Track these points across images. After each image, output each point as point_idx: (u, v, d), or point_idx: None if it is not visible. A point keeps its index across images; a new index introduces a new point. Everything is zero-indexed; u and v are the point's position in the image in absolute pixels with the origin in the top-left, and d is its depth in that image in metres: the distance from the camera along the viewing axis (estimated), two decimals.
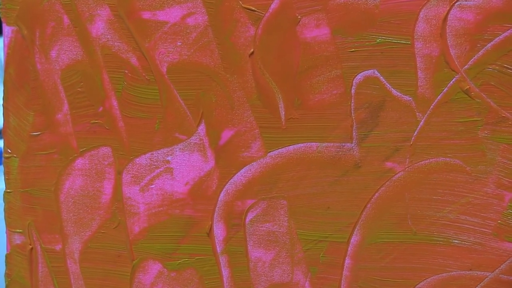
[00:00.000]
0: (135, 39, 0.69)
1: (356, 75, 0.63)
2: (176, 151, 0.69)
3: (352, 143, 0.64)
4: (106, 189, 0.71)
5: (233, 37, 0.66)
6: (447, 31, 0.61)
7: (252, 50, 0.66)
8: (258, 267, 0.67)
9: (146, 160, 0.70)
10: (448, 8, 0.61)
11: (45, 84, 0.73)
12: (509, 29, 0.60)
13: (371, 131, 0.63)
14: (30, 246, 0.75)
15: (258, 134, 0.66)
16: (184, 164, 0.69)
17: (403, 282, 0.64)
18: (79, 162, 0.72)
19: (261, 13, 0.65)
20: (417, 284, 0.63)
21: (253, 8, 0.65)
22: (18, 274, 0.76)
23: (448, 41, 0.61)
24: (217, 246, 0.68)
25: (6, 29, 0.74)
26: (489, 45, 0.60)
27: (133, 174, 0.70)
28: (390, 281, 0.64)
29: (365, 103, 0.63)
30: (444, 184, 0.62)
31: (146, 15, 0.68)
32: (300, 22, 0.64)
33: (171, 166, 0.69)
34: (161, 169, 0.69)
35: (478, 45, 0.60)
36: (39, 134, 0.73)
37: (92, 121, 0.71)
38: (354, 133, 0.64)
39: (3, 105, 0.75)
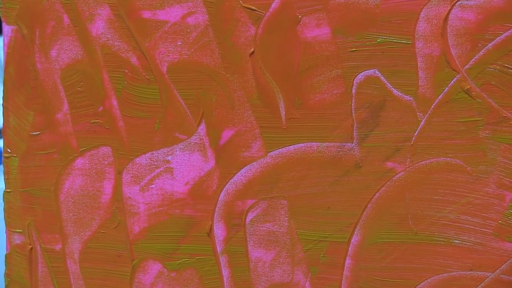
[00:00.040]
0: (135, 39, 0.69)
1: (357, 74, 0.63)
2: (176, 151, 0.69)
3: (352, 143, 0.64)
4: (106, 189, 0.71)
5: (234, 36, 0.66)
6: (448, 30, 0.61)
7: (252, 49, 0.66)
8: (258, 267, 0.67)
9: (146, 160, 0.70)
10: (449, 8, 0.61)
11: (45, 84, 0.73)
12: (510, 28, 0.59)
13: (371, 131, 0.63)
14: (30, 246, 0.75)
15: (259, 134, 0.66)
16: (184, 164, 0.68)
17: (403, 282, 0.64)
18: (79, 161, 0.72)
19: (262, 12, 0.65)
20: (418, 284, 0.63)
21: (253, 8, 0.65)
22: (17, 274, 0.76)
23: (449, 41, 0.61)
24: (217, 246, 0.68)
25: (6, 28, 0.74)
26: (490, 44, 0.60)
27: (133, 174, 0.70)
28: (390, 281, 0.64)
29: (365, 103, 0.63)
30: (445, 184, 0.62)
31: (146, 14, 0.68)
32: (301, 21, 0.64)
33: (171, 166, 0.69)
34: (161, 169, 0.69)
35: (479, 45, 0.60)
36: (39, 134, 0.73)
37: (92, 121, 0.71)
38: (354, 133, 0.64)
39: (3, 104, 0.75)
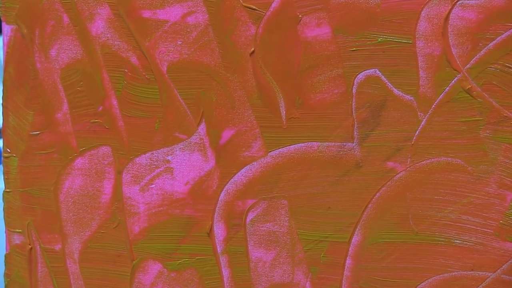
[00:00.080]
0: (135, 38, 0.69)
1: (358, 74, 0.63)
2: (176, 150, 0.69)
3: (353, 142, 0.64)
4: (106, 188, 0.71)
5: (234, 36, 0.66)
6: (449, 30, 0.61)
7: (252, 49, 0.65)
8: (258, 267, 0.67)
9: (146, 160, 0.69)
10: (450, 7, 0.61)
11: (45, 83, 0.72)
12: (511, 28, 0.59)
13: (372, 131, 0.63)
14: (30, 246, 0.74)
15: (259, 134, 0.66)
16: (184, 164, 0.68)
17: (404, 283, 0.63)
18: (79, 161, 0.72)
19: (262, 12, 0.65)
20: (419, 284, 0.63)
21: (253, 7, 0.65)
22: (17, 274, 0.76)
23: (450, 40, 0.61)
24: (218, 246, 0.68)
25: (5, 28, 0.74)
26: (491, 44, 0.60)
27: (133, 173, 0.70)
28: (391, 281, 0.64)
29: (366, 102, 0.63)
30: (445, 184, 0.62)
31: (146, 14, 0.68)
32: (301, 21, 0.64)
33: (171, 166, 0.69)
34: (161, 169, 0.69)
35: (480, 44, 0.60)
36: (38, 134, 0.73)
37: (92, 121, 0.71)
38: (355, 133, 0.64)
39: (2, 104, 0.75)
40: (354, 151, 0.64)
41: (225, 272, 0.68)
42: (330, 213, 0.65)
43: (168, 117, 0.68)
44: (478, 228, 0.62)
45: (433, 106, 0.62)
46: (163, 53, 0.68)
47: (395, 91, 0.62)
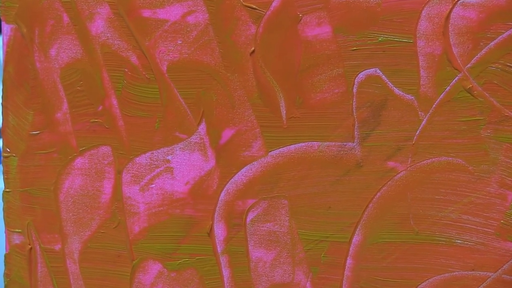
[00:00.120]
0: (135, 38, 0.69)
1: (358, 74, 0.63)
2: (177, 150, 0.68)
3: (354, 142, 0.64)
4: (105, 188, 0.71)
5: (234, 35, 0.66)
6: (450, 29, 0.61)
7: (253, 48, 0.65)
8: (259, 267, 0.67)
9: (146, 160, 0.69)
10: (450, 6, 0.61)
11: (45, 83, 0.72)
12: None
13: (373, 130, 0.63)
14: (29, 246, 0.74)
15: (259, 133, 0.66)
16: (184, 164, 0.68)
17: (405, 283, 0.63)
18: (79, 161, 0.72)
19: (262, 11, 0.65)
20: (419, 284, 0.63)
21: (254, 6, 0.65)
22: (17, 274, 0.76)
23: (451, 40, 0.61)
24: (218, 246, 0.68)
25: (5, 27, 0.73)
26: (492, 43, 0.60)
27: (133, 173, 0.70)
28: (391, 281, 0.64)
29: (367, 102, 0.63)
30: (446, 183, 0.62)
31: (146, 13, 0.68)
32: (302, 20, 0.64)
33: (171, 166, 0.69)
34: (161, 169, 0.69)
35: (481, 44, 0.60)
36: (38, 133, 0.73)
37: (91, 120, 0.71)
38: (355, 132, 0.63)
39: (2, 104, 0.75)
40: (355, 151, 0.64)
41: (225, 272, 0.68)
42: (331, 213, 0.65)
43: (168, 116, 0.68)
44: (479, 228, 0.61)
45: (434, 105, 0.62)
46: (163, 53, 0.68)
47: (396, 90, 0.62)
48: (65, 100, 0.72)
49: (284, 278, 0.67)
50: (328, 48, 0.64)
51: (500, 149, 0.60)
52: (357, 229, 0.64)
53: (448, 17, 0.61)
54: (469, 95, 0.61)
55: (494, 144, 0.61)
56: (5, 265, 0.76)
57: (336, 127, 0.64)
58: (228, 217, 0.67)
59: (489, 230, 0.61)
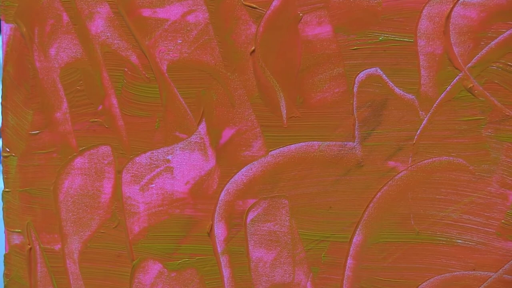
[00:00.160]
0: (135, 37, 0.69)
1: (359, 73, 0.63)
2: (177, 150, 0.68)
3: (354, 142, 0.64)
4: (105, 188, 0.71)
5: (234, 34, 0.66)
6: (451, 28, 0.61)
7: (253, 48, 0.65)
8: (259, 267, 0.67)
9: (146, 159, 0.69)
10: (451, 6, 0.60)
11: (44, 83, 0.72)
12: None
13: (373, 130, 0.63)
14: (29, 246, 0.74)
15: (259, 133, 0.66)
16: (184, 163, 0.68)
17: (405, 283, 0.63)
18: (79, 161, 0.72)
19: (263, 10, 0.65)
20: (420, 284, 0.63)
21: (254, 6, 0.65)
22: (16, 274, 0.75)
23: (452, 39, 0.61)
24: (218, 246, 0.68)
25: (4, 26, 0.73)
26: (493, 43, 0.60)
27: (133, 173, 0.70)
28: (392, 281, 0.64)
29: (367, 101, 0.63)
30: (447, 183, 0.62)
31: (146, 12, 0.68)
32: (302, 19, 0.64)
33: (171, 165, 0.69)
34: (161, 168, 0.69)
35: (482, 43, 0.60)
36: (38, 133, 0.73)
37: (91, 120, 0.71)
38: (356, 132, 0.63)
39: (1, 103, 0.75)
40: (355, 151, 0.64)
41: (226, 272, 0.68)
42: (331, 212, 0.65)
43: (168, 116, 0.68)
44: (479, 227, 0.61)
45: (435, 105, 0.62)
46: (163, 52, 0.68)
47: (396, 90, 0.62)
48: (64, 100, 0.72)
49: (285, 278, 0.66)
50: (328, 47, 0.63)
51: (501, 148, 0.60)
52: (358, 229, 0.64)
53: (448, 16, 0.61)
54: (470, 94, 0.61)
55: (495, 143, 0.60)
56: (4, 265, 0.76)
57: (336, 127, 0.64)
58: (228, 217, 0.67)
59: (490, 230, 0.61)
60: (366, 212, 0.64)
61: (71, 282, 0.73)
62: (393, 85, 0.62)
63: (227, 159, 0.67)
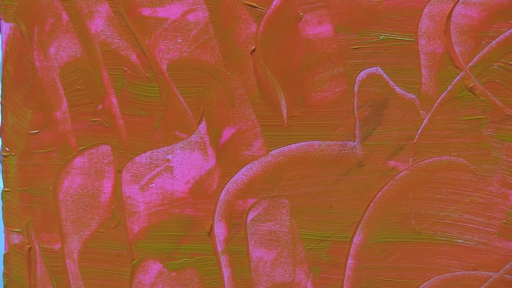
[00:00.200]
0: (135, 36, 0.68)
1: (359, 72, 0.63)
2: (177, 149, 0.68)
3: (355, 141, 0.63)
4: (105, 188, 0.71)
5: (234, 34, 0.66)
6: (452, 28, 0.61)
7: (253, 47, 0.65)
8: (259, 267, 0.67)
9: (146, 159, 0.69)
10: (452, 5, 0.60)
11: (44, 82, 0.72)
12: None
13: (374, 129, 0.63)
14: (29, 246, 0.74)
15: (260, 132, 0.66)
16: (184, 163, 0.68)
17: (406, 282, 0.63)
18: (78, 160, 0.72)
19: (263, 9, 0.65)
20: (421, 284, 0.63)
21: (254, 5, 0.65)
22: (16, 274, 0.75)
23: (453, 38, 0.61)
24: (218, 246, 0.68)
25: (4, 25, 0.73)
26: (494, 42, 0.60)
27: (132, 172, 0.70)
28: (393, 281, 0.64)
29: (368, 101, 0.63)
30: (448, 183, 0.62)
31: (146, 11, 0.68)
32: (303, 18, 0.64)
33: (172, 165, 0.68)
34: (161, 168, 0.69)
35: (483, 42, 0.60)
36: (37, 132, 0.73)
37: (91, 119, 0.71)
38: (357, 131, 0.63)
39: (1, 102, 0.75)
40: (356, 150, 0.64)
41: (226, 272, 0.68)
42: (332, 212, 0.65)
43: (168, 115, 0.68)
44: (480, 227, 0.61)
45: (436, 104, 0.61)
46: (163, 51, 0.68)
47: (397, 89, 0.62)
48: (64, 99, 0.72)
49: (285, 278, 0.66)
50: (329, 46, 0.63)
51: (502, 148, 0.60)
52: (358, 229, 0.64)
53: (449, 15, 0.61)
54: (471, 94, 0.61)
55: (496, 143, 0.60)
56: (4, 264, 0.76)
57: (337, 126, 0.64)
58: (228, 217, 0.67)
59: (491, 229, 0.61)
60: (367, 212, 0.64)
61: (71, 281, 0.73)
62: (393, 84, 0.62)
63: (227, 159, 0.67)
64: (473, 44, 0.60)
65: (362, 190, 0.64)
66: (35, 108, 0.73)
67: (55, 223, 0.73)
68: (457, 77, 0.61)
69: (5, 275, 0.76)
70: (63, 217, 0.73)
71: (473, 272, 0.62)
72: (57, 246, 0.73)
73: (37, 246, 0.74)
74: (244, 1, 0.65)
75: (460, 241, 0.62)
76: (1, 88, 0.74)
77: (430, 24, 0.61)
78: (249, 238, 0.67)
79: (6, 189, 0.75)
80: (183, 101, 0.68)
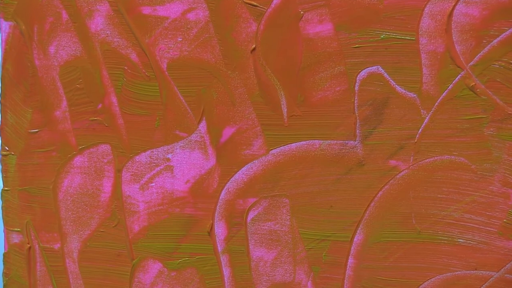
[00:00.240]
0: (135, 35, 0.68)
1: (360, 71, 0.63)
2: (177, 148, 0.68)
3: (355, 140, 0.63)
4: (105, 187, 0.71)
5: (235, 32, 0.65)
6: (453, 26, 0.60)
7: (254, 46, 0.65)
8: (259, 266, 0.67)
9: (146, 158, 0.69)
10: (453, 4, 0.60)
11: (43, 81, 0.72)
12: None
13: (375, 129, 0.63)
14: (28, 245, 0.74)
15: (260, 132, 0.66)
16: (184, 162, 0.68)
17: (407, 282, 0.63)
18: (78, 160, 0.71)
19: (263, 8, 0.64)
20: (421, 284, 0.63)
21: (255, 3, 0.65)
22: (16, 274, 0.75)
23: (454, 37, 0.60)
24: (218, 245, 0.68)
25: (3, 24, 0.73)
26: (495, 41, 0.60)
27: (132, 172, 0.70)
28: (393, 280, 0.64)
29: (369, 100, 0.63)
30: (449, 182, 0.62)
31: (146, 10, 0.67)
32: (303, 17, 0.63)
33: (172, 164, 0.68)
34: (161, 167, 0.69)
35: (484, 41, 0.60)
36: (37, 131, 0.73)
37: (91, 118, 0.71)
38: (357, 131, 0.63)
39: (0, 101, 0.74)
40: (357, 149, 0.63)
41: (226, 272, 0.68)
42: (332, 211, 0.64)
43: (168, 115, 0.68)
44: (481, 227, 0.61)
45: (436, 103, 0.61)
46: (163, 50, 0.67)
47: (398, 88, 0.62)
48: (64, 98, 0.71)
49: (285, 278, 0.66)
50: (329, 45, 0.63)
51: (503, 147, 0.60)
52: (359, 228, 0.64)
53: (450, 14, 0.60)
54: (472, 93, 0.60)
55: (497, 142, 0.60)
56: (4, 264, 0.76)
57: (337, 126, 0.64)
58: (228, 216, 0.67)
59: (492, 229, 0.61)
60: (367, 211, 0.64)
61: (71, 281, 0.73)
62: (394, 83, 0.62)
63: (228, 158, 0.67)
64: (474, 43, 0.60)
65: (363, 189, 0.64)
66: (34, 107, 0.73)
67: (54, 223, 0.73)
68: (458, 76, 0.61)
69: (4, 274, 0.76)
70: (63, 216, 0.72)
71: (474, 271, 0.62)
72: (56, 246, 0.73)
73: (37, 246, 0.74)
74: (244, 0, 0.65)
75: (461, 240, 0.62)
76: (1, 87, 0.74)
77: (431, 23, 0.61)
78: (249, 238, 0.67)
79: (6, 188, 0.75)
80: (183, 100, 0.67)
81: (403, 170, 0.63)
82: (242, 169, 0.66)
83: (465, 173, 0.61)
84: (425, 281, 0.63)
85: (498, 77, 0.60)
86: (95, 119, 0.71)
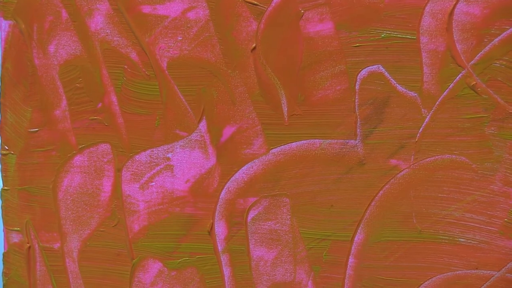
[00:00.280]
0: (135, 34, 0.68)
1: (361, 70, 0.63)
2: (177, 148, 0.68)
3: (356, 140, 0.63)
4: (105, 186, 0.71)
5: (235, 31, 0.65)
6: (453, 25, 0.60)
7: (254, 45, 0.65)
8: (260, 266, 0.67)
9: (146, 157, 0.69)
10: (454, 2, 0.60)
11: (43, 80, 0.72)
12: None
13: (375, 128, 0.63)
14: (28, 245, 0.74)
15: (260, 131, 0.66)
16: (184, 161, 0.68)
17: (407, 281, 0.63)
18: (78, 159, 0.71)
19: (264, 7, 0.64)
20: (422, 283, 0.63)
21: (255, 2, 0.64)
22: (16, 273, 0.75)
23: (454, 36, 0.60)
24: (218, 245, 0.67)
25: (3, 23, 0.73)
26: (496, 40, 0.60)
27: (132, 171, 0.69)
28: (394, 280, 0.63)
29: (369, 99, 0.63)
30: (449, 181, 0.62)
31: (146, 9, 0.67)
32: (304, 16, 0.63)
33: (172, 163, 0.68)
34: (161, 166, 0.69)
35: (485, 40, 0.60)
36: (37, 131, 0.73)
37: (91, 118, 0.71)
38: (358, 130, 0.63)
39: (0, 101, 0.74)
40: (357, 148, 0.63)
41: (226, 271, 0.68)
42: (333, 211, 0.64)
43: (168, 114, 0.68)
44: (482, 226, 0.61)
45: (437, 102, 0.61)
46: (163, 49, 0.67)
47: (399, 87, 0.62)
48: (64, 97, 0.71)
49: (286, 277, 0.66)
50: (330, 44, 0.63)
51: (504, 146, 0.60)
52: (360, 228, 0.64)
53: (451, 13, 0.60)
54: (473, 92, 0.60)
55: (498, 141, 0.60)
56: (3, 264, 0.76)
57: (338, 125, 0.64)
58: (229, 216, 0.67)
59: (493, 228, 0.61)
60: (368, 211, 0.63)
61: (70, 281, 0.73)
62: (395, 82, 0.62)
63: (228, 157, 0.67)
64: (475, 42, 0.60)
65: (363, 188, 0.63)
66: (34, 106, 0.73)
67: (54, 222, 0.73)
68: (459, 75, 0.61)
69: (4, 274, 0.76)
70: (63, 216, 0.72)
71: (475, 271, 0.61)
72: (56, 245, 0.73)
73: (37, 245, 0.74)
74: None
75: (462, 240, 0.62)
76: (1, 86, 0.74)
77: (432, 22, 0.61)
78: (249, 237, 0.67)
79: (5, 187, 0.75)
80: (183, 99, 0.67)
81: (404, 169, 0.62)
82: (243, 168, 0.66)
83: (466, 172, 0.61)
84: (426, 281, 0.63)
85: (499, 76, 0.60)
86: (95, 118, 0.71)
